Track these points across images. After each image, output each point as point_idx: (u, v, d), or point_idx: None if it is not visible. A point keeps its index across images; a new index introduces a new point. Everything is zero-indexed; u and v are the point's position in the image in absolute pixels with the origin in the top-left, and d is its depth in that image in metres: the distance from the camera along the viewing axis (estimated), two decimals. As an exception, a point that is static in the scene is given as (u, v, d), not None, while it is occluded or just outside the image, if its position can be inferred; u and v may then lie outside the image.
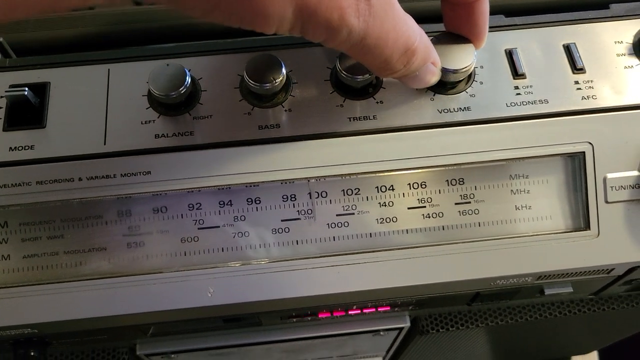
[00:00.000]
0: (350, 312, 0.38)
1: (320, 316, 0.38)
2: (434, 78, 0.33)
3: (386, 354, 0.52)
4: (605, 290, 0.40)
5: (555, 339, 0.56)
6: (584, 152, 0.34)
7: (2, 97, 0.34)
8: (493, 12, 0.37)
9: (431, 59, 0.31)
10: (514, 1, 0.40)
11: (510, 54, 0.36)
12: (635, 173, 0.34)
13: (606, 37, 0.37)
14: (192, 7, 0.23)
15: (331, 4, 0.24)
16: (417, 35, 0.29)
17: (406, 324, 0.42)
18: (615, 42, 0.36)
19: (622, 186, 0.34)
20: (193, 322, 0.38)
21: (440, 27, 0.34)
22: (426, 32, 0.30)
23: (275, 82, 0.33)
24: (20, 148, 0.33)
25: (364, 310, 0.39)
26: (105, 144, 0.33)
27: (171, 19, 0.40)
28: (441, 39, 0.33)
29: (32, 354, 0.36)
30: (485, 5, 0.32)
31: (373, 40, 0.27)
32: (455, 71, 0.33)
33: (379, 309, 0.39)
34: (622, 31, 0.37)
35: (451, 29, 0.34)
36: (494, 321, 0.42)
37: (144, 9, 0.41)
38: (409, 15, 0.28)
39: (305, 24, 0.25)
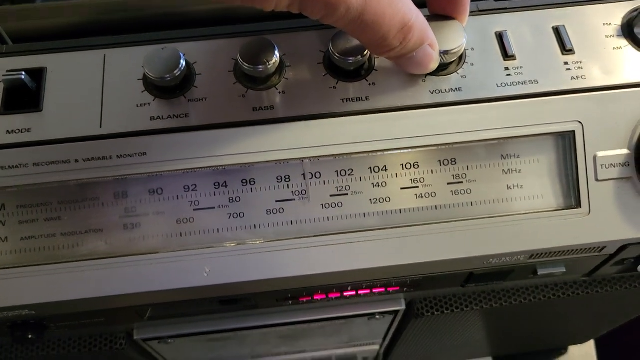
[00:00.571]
0: (345, 294, 0.39)
1: (315, 298, 0.39)
2: (433, 63, 0.33)
3: (383, 341, 0.53)
4: (597, 271, 0.41)
5: (551, 326, 0.56)
6: (573, 131, 0.35)
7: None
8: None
9: (428, 40, 0.32)
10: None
11: (500, 37, 0.36)
12: (625, 151, 0.35)
13: (595, 20, 0.37)
14: None
15: None
16: (413, 13, 0.30)
17: (401, 307, 0.42)
18: (604, 24, 0.37)
19: (612, 164, 0.35)
20: (190, 305, 0.38)
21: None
22: None
23: (269, 65, 0.33)
24: (17, 131, 0.34)
25: (359, 292, 0.39)
26: (101, 127, 0.34)
27: (166, 7, 0.41)
28: (429, 23, 0.34)
29: (29, 336, 0.36)
30: None
31: (370, 17, 0.28)
32: (446, 52, 0.34)
33: (374, 290, 0.39)
34: (610, 13, 0.37)
35: (435, 11, 0.34)
36: (489, 304, 0.42)
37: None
38: None
39: (305, 0, 0.25)
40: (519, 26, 0.37)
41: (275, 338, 0.48)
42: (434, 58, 0.33)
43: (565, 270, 0.39)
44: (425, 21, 0.31)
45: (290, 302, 0.39)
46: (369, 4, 0.27)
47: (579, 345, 0.69)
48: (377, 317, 0.43)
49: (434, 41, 0.32)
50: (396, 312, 0.43)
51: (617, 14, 0.37)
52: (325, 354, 0.55)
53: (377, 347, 0.54)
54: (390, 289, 0.39)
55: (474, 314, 0.45)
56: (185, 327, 0.42)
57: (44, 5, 0.41)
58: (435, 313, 0.42)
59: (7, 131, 0.34)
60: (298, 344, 0.51)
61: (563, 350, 0.69)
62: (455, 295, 0.43)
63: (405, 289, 0.39)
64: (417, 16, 0.30)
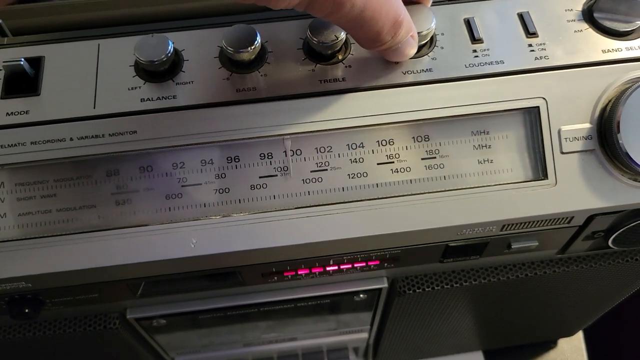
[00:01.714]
0: (328, 269, 0.41)
1: (299, 273, 0.40)
2: (412, 50, 0.36)
3: (371, 328, 0.54)
4: (570, 246, 0.42)
5: (536, 315, 0.58)
6: (538, 107, 0.37)
7: (0, 69, 0.37)
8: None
9: (412, 31, 0.34)
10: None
11: (468, 22, 0.39)
12: (587, 125, 0.37)
13: (557, 6, 0.40)
14: None
15: None
16: (402, 8, 0.32)
17: (384, 285, 0.44)
18: (565, 10, 0.40)
19: (575, 137, 0.37)
20: (180, 281, 0.40)
21: None
22: None
23: (251, 49, 0.36)
24: (16, 113, 0.36)
25: (341, 267, 0.41)
26: (94, 108, 0.36)
27: (157, 4, 0.43)
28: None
29: (26, 310, 0.38)
30: None
31: (370, 13, 0.30)
32: (418, 34, 0.36)
33: (355, 265, 0.41)
34: (572, 0, 0.40)
35: None
36: (468, 281, 0.44)
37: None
38: None
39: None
40: (485, 13, 0.39)
41: (264, 323, 0.49)
42: (414, 46, 0.35)
43: (537, 244, 0.41)
44: (407, 13, 0.34)
45: (275, 277, 0.41)
46: (369, 1, 0.29)
47: (568, 338, 0.70)
48: (361, 295, 0.45)
49: (415, 32, 0.35)
50: (379, 291, 0.45)
51: (577, 1, 0.40)
52: (315, 342, 0.56)
53: (365, 334, 0.56)
54: (371, 263, 0.40)
55: (455, 295, 0.47)
56: (176, 306, 0.44)
57: (42, 5, 0.43)
58: (417, 291, 0.44)
59: (7, 113, 0.36)
60: (287, 330, 0.52)
61: (552, 344, 0.70)
62: (435, 274, 0.45)
63: (385, 264, 0.41)
64: (405, 11, 0.32)
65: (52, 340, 0.44)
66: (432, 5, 0.37)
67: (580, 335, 0.71)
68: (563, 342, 0.70)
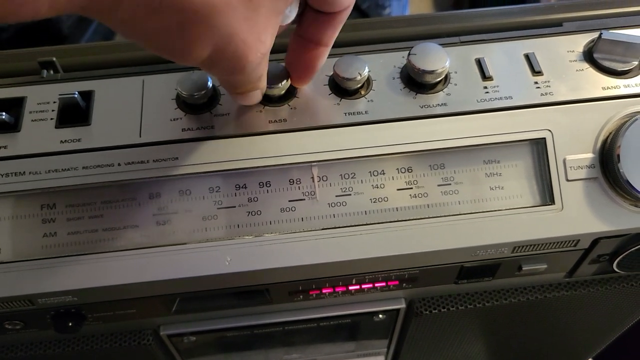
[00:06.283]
0: (350, 288, 0.43)
1: (324, 291, 0.43)
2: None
3: (387, 350, 0.56)
4: (577, 269, 0.45)
5: (546, 337, 0.60)
6: (545, 138, 0.40)
7: (55, 102, 0.41)
8: (467, 32, 0.45)
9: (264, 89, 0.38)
10: (484, 23, 0.48)
11: (479, 62, 0.43)
12: (590, 155, 0.40)
13: (560, 48, 0.44)
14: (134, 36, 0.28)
15: (243, 47, 0.30)
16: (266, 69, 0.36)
17: (402, 306, 0.46)
18: (568, 52, 0.43)
19: (579, 166, 0.40)
20: (211, 298, 0.43)
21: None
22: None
23: (281, 86, 0.40)
24: (69, 141, 0.40)
25: (363, 286, 0.43)
26: (140, 136, 0.40)
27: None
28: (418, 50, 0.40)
29: (70, 324, 0.40)
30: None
31: (252, 77, 0.34)
32: (432, 72, 0.40)
33: (376, 285, 0.43)
34: (573, 43, 0.44)
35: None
36: (481, 302, 0.47)
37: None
38: None
39: (212, 64, 0.31)
40: (495, 53, 0.43)
41: (286, 343, 0.51)
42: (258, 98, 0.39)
43: (546, 266, 0.43)
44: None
45: (301, 296, 0.44)
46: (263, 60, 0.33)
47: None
48: (380, 315, 0.47)
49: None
50: (397, 311, 0.47)
51: (579, 43, 0.44)
52: (333, 365, 0.58)
53: (382, 357, 0.58)
54: (391, 283, 0.43)
55: (468, 317, 0.49)
56: (206, 324, 0.46)
57: (89, 45, 0.48)
58: (433, 311, 0.46)
59: (61, 141, 0.40)
60: (308, 351, 0.55)
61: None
62: (450, 295, 0.47)
63: (404, 284, 0.44)
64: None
65: (87, 355, 0.46)
66: (445, 46, 0.41)
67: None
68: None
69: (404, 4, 1.54)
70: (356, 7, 1.29)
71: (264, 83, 0.37)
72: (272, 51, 0.35)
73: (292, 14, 0.35)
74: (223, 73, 0.33)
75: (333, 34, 0.37)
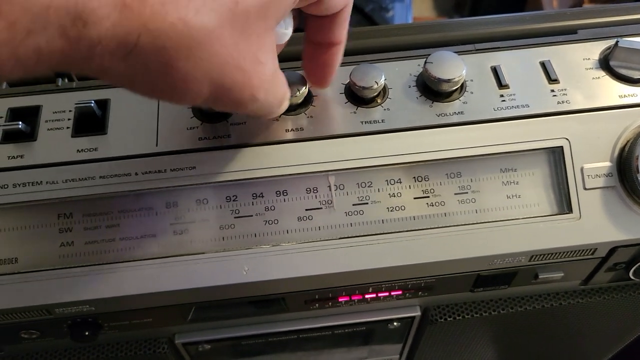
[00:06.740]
0: (366, 296, 0.43)
1: (340, 300, 0.43)
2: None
3: (400, 357, 0.56)
4: (593, 277, 0.45)
5: (560, 348, 0.60)
6: (562, 147, 0.40)
7: (70, 110, 0.41)
8: (481, 39, 0.45)
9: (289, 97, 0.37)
10: (497, 30, 0.47)
11: (495, 70, 0.43)
12: (607, 163, 0.40)
13: (576, 56, 0.43)
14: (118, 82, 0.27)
15: (241, 74, 0.28)
16: (286, 85, 0.35)
17: (417, 313, 0.46)
18: (583, 59, 0.43)
19: (597, 175, 0.40)
20: (227, 307, 0.43)
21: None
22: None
23: (298, 94, 0.39)
24: (85, 150, 0.40)
25: (379, 295, 0.43)
26: (157, 146, 0.40)
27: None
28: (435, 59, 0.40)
29: (86, 333, 0.40)
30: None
31: (269, 101, 0.32)
32: (448, 80, 0.40)
33: (392, 293, 0.43)
34: (589, 50, 0.44)
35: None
36: (496, 310, 0.46)
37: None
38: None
39: (218, 100, 0.29)
40: (510, 61, 0.43)
41: (300, 351, 0.51)
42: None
43: (563, 274, 0.43)
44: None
45: (317, 305, 0.44)
46: (271, 95, 0.32)
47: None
48: (395, 323, 0.47)
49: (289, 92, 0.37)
50: (412, 319, 0.47)
51: (594, 51, 0.44)
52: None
53: (394, 363, 0.58)
54: (407, 292, 0.43)
55: (483, 324, 0.49)
56: (221, 332, 0.46)
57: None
58: (448, 319, 0.46)
59: (78, 150, 0.39)
60: (321, 358, 0.55)
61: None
62: (465, 303, 0.47)
63: (420, 293, 0.44)
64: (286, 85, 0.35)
65: (103, 364, 0.46)
66: (460, 54, 0.41)
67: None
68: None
69: (407, 7, 1.54)
70: (359, 11, 1.29)
71: (286, 103, 0.36)
72: (285, 59, 0.35)
73: (288, 30, 0.35)
74: (236, 107, 0.31)
75: (342, 31, 0.36)
